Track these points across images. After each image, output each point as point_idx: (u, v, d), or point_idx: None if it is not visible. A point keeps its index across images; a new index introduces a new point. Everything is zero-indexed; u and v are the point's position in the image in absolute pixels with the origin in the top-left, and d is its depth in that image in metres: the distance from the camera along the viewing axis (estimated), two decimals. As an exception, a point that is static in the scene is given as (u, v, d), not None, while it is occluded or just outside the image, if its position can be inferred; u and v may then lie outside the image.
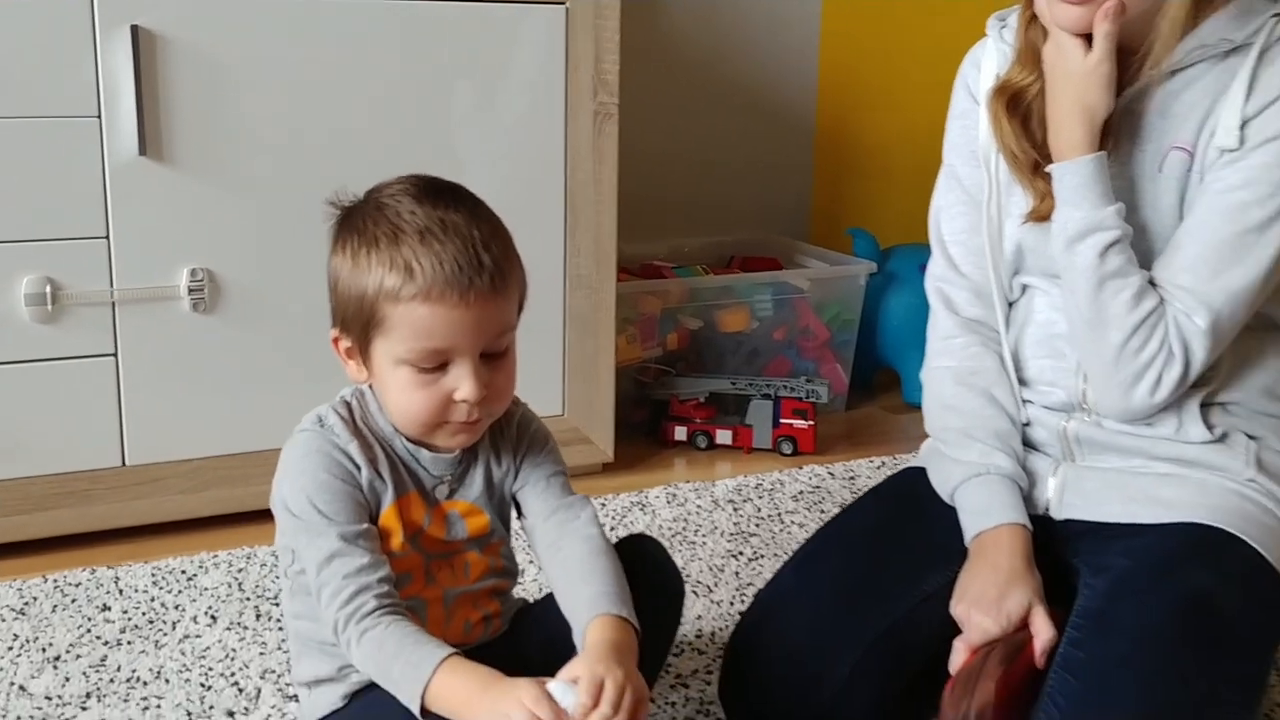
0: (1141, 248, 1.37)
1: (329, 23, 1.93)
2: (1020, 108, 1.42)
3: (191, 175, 1.89)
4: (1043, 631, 1.29)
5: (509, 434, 1.32)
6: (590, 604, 1.21)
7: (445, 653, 1.13)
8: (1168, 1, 1.31)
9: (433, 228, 1.16)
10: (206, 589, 1.76)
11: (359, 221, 1.20)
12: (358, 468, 1.22)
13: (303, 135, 1.94)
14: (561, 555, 1.27)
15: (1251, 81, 1.31)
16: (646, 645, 1.27)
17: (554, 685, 1.10)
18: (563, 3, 2.07)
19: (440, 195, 1.20)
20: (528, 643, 1.30)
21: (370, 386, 1.27)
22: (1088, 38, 1.33)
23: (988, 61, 1.50)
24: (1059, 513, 1.43)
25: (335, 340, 1.25)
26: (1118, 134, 1.38)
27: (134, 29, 1.80)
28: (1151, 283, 1.35)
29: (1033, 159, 1.41)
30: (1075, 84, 1.34)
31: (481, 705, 1.10)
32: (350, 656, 1.18)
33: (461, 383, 1.18)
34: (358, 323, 1.19)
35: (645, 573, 1.33)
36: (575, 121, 2.11)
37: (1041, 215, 1.41)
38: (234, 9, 1.88)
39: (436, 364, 1.18)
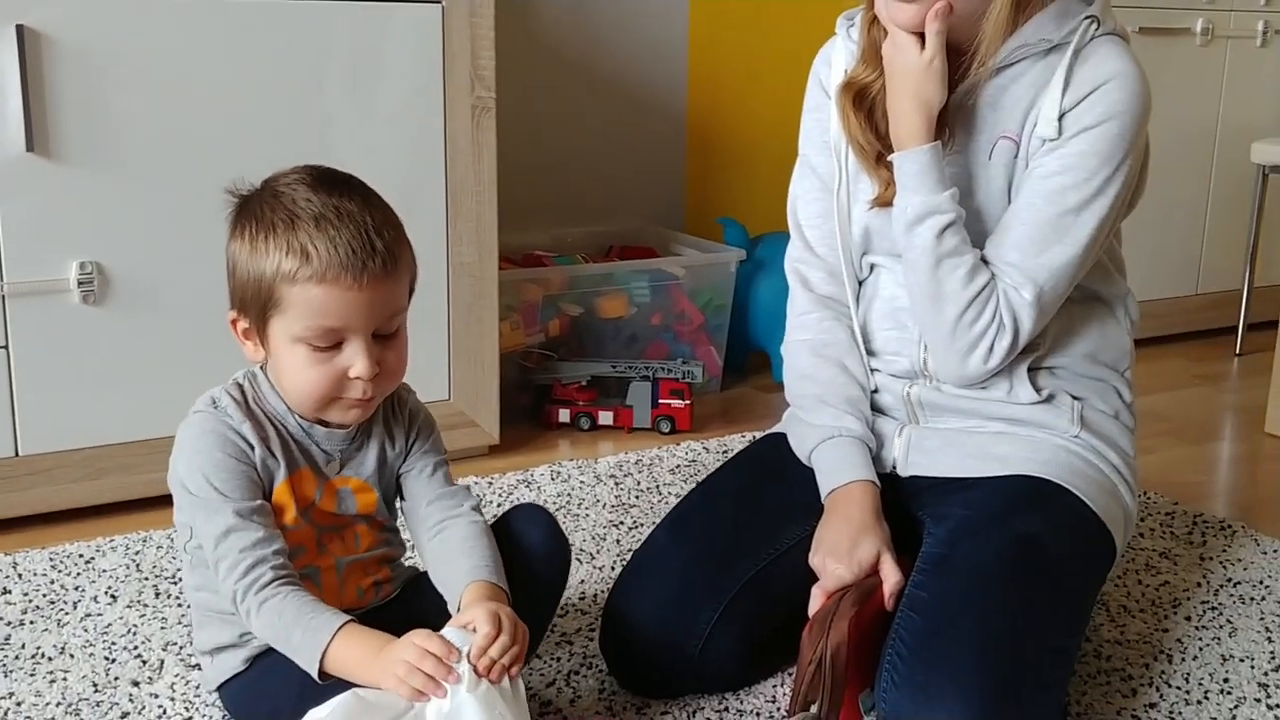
0: (976, 229, 1.49)
1: (210, 21, 1.98)
2: (865, 102, 1.52)
3: (79, 171, 1.92)
4: (891, 576, 1.40)
5: (402, 418, 1.40)
6: (469, 573, 1.30)
7: (341, 620, 1.21)
8: (992, 4, 1.42)
9: (328, 214, 1.23)
10: (105, 571, 1.80)
11: (256, 208, 1.26)
12: (251, 447, 1.29)
13: (186, 131, 1.98)
14: (443, 535, 1.35)
15: (1068, 77, 1.43)
16: (539, 599, 1.37)
17: (448, 632, 1.19)
18: (439, 1, 2.15)
19: (335, 184, 1.27)
20: (420, 610, 1.36)
21: (263, 368, 1.33)
22: (923, 36, 1.43)
23: (837, 58, 1.58)
24: (905, 470, 1.54)
25: (233, 321, 1.30)
26: (953, 126, 1.49)
27: (19, 28, 1.83)
28: (984, 260, 1.46)
29: (877, 149, 1.51)
30: (912, 78, 1.45)
31: (376, 664, 1.18)
32: (250, 625, 1.25)
33: (355, 360, 1.25)
34: (256, 304, 1.26)
35: (534, 543, 1.42)
36: (454, 115, 2.18)
37: (885, 201, 1.51)
38: (117, 8, 1.91)
39: (331, 342, 1.25)
